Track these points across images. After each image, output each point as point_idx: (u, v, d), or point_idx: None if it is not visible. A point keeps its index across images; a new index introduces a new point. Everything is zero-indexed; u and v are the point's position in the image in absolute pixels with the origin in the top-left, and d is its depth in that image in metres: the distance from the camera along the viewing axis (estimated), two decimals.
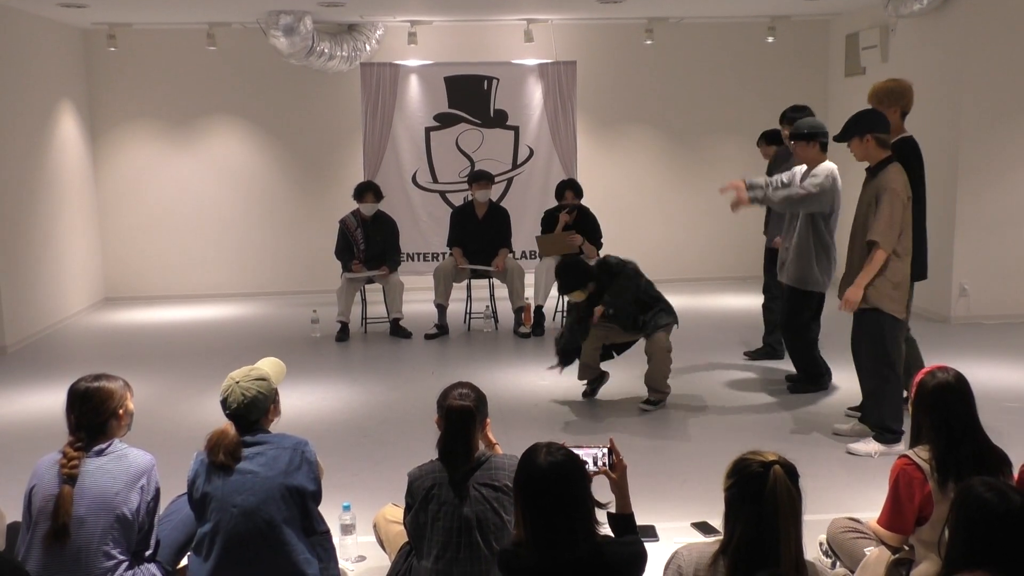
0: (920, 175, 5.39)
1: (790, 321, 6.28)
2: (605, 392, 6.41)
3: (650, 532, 4.07)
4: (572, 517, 2.53)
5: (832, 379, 6.42)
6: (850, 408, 5.78)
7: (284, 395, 3.51)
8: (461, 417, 3.19)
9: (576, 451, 2.77)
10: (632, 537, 2.83)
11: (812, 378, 6.39)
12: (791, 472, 2.40)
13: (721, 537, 2.47)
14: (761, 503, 2.34)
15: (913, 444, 3.31)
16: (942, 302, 8.42)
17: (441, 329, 8.30)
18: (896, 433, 5.13)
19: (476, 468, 3.18)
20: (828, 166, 5.92)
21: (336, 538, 3.64)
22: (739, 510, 2.39)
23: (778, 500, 2.33)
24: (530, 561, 2.56)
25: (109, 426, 3.17)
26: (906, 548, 3.27)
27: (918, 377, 3.33)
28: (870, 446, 5.14)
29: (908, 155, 5.35)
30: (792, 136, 6.14)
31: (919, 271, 5.43)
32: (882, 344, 5.07)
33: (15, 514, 3.27)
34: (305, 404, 6.32)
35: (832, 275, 6.09)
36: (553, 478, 2.54)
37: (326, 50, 9.19)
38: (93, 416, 3.13)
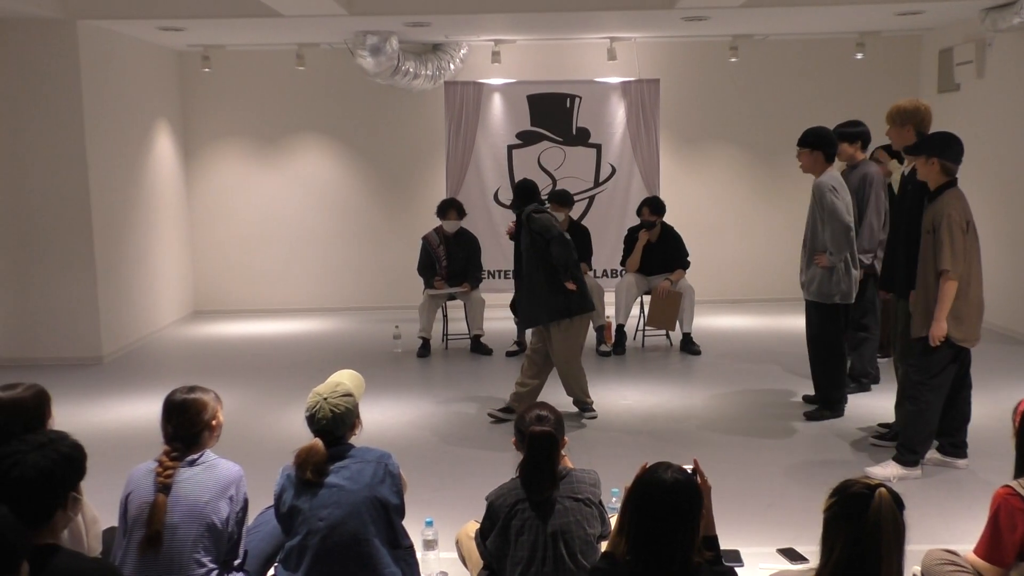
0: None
1: (818, 337, 6.04)
2: (688, 413, 6.34)
3: (735, 557, 3.99)
4: (681, 536, 2.49)
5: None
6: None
7: (365, 410, 3.56)
8: (545, 443, 3.17)
9: None
10: (726, 567, 2.77)
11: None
12: (897, 500, 2.33)
13: (810, 564, 2.41)
14: (862, 524, 2.28)
15: (1018, 475, 3.18)
16: None
17: (521, 346, 8.30)
18: (918, 454, 5.03)
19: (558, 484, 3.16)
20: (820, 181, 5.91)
21: (419, 553, 3.66)
22: (838, 531, 2.32)
23: (882, 523, 2.26)
24: None
25: (202, 437, 3.24)
26: None
27: (1022, 406, 3.21)
28: (888, 470, 5.02)
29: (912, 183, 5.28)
30: (841, 138, 6.33)
31: None
32: (928, 370, 4.93)
33: (110, 519, 3.36)
34: (387, 419, 6.39)
35: (854, 285, 5.91)
36: (674, 494, 2.51)
37: (411, 69, 9.32)
38: (188, 427, 3.21)
